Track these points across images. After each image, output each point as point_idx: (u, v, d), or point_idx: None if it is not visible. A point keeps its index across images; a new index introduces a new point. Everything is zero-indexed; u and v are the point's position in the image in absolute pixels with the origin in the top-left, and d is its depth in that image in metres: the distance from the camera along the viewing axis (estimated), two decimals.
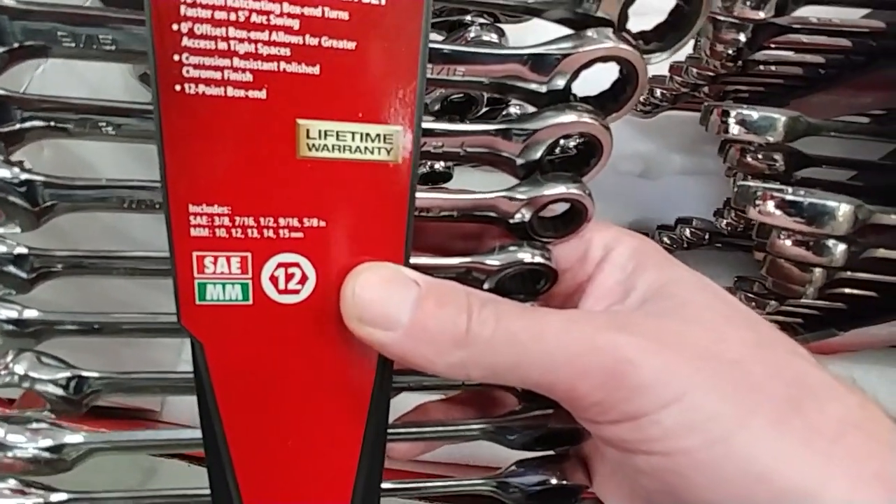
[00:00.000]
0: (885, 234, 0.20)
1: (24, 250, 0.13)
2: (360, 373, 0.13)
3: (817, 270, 0.22)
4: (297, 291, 0.13)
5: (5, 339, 0.14)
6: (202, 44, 0.11)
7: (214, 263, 0.12)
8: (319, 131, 0.12)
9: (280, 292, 0.13)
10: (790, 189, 0.19)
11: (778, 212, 0.19)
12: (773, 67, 0.29)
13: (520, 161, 0.13)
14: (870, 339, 0.29)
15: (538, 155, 0.13)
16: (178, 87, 0.11)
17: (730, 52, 0.26)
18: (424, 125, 0.12)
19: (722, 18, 0.24)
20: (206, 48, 0.11)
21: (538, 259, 0.14)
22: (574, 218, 0.14)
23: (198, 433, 0.14)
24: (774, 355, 0.12)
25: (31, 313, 0.14)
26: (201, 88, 0.11)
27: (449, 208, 0.14)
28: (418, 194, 0.13)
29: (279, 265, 0.13)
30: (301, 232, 0.12)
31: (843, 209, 0.18)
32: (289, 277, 0.13)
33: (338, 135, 0.12)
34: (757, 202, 0.19)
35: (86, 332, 0.14)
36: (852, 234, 0.19)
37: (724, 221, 0.30)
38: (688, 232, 0.33)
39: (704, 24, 0.24)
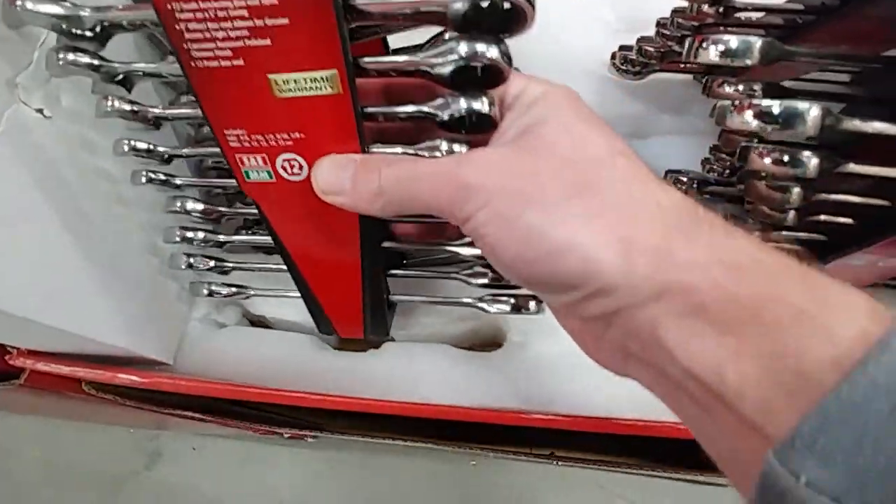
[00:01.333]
0: (854, 148, 0.22)
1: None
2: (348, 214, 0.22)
3: (794, 190, 0.23)
4: (299, 174, 0.21)
5: None
6: (195, 35, 0.17)
7: (249, 160, 0.21)
8: (283, 80, 0.18)
9: (289, 175, 0.21)
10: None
11: (753, 120, 0.20)
12: (752, 17, 0.31)
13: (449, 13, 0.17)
14: (852, 273, 0.31)
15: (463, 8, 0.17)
16: (192, 64, 0.18)
17: None
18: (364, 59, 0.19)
19: None
20: (199, 38, 0.17)
21: (467, 106, 0.19)
22: (494, 76, 0.18)
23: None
24: (580, 167, 0.17)
25: None
26: (204, 63, 0.18)
27: (388, 68, 0.19)
28: (367, 58, 0.19)
29: (285, 160, 0.21)
30: (290, 140, 0.20)
31: (812, 111, 0.20)
32: (292, 167, 0.21)
33: (295, 81, 0.18)
34: (733, 112, 0.21)
35: None
36: (823, 139, 0.20)
37: (707, 168, 0.32)
38: (675, 181, 0.35)
39: None
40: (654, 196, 0.16)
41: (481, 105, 0.18)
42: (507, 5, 0.16)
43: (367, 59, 0.18)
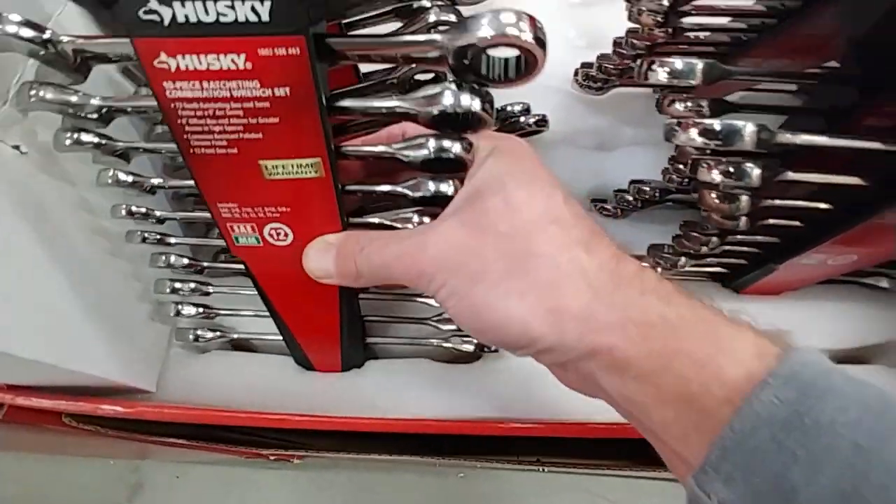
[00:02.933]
0: (801, 157, 0.24)
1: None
2: None
3: (743, 198, 0.25)
4: (285, 240, 0.24)
5: None
6: (195, 128, 0.20)
7: (238, 228, 0.24)
8: (272, 166, 0.21)
9: (276, 241, 0.25)
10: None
11: (698, 137, 0.22)
12: (700, 35, 0.33)
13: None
14: (804, 271, 0.33)
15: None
16: (191, 151, 0.21)
17: (658, 18, 0.30)
18: (345, 146, 0.22)
19: None
20: (198, 130, 0.20)
21: (436, 189, 0.22)
22: (459, 165, 0.22)
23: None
24: (516, 241, 0.20)
25: None
26: (202, 150, 0.21)
27: (367, 155, 0.22)
28: (348, 147, 0.22)
29: (272, 229, 0.24)
30: (278, 213, 0.23)
31: (748, 128, 0.22)
32: (278, 234, 0.24)
33: (283, 167, 0.21)
34: (679, 130, 0.23)
35: None
36: (762, 153, 0.22)
37: (667, 177, 0.34)
38: (639, 191, 0.37)
39: None
40: (578, 263, 0.20)
41: (447, 188, 0.22)
42: (469, 112, 0.20)
43: (348, 148, 0.22)
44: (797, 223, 0.31)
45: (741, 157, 0.26)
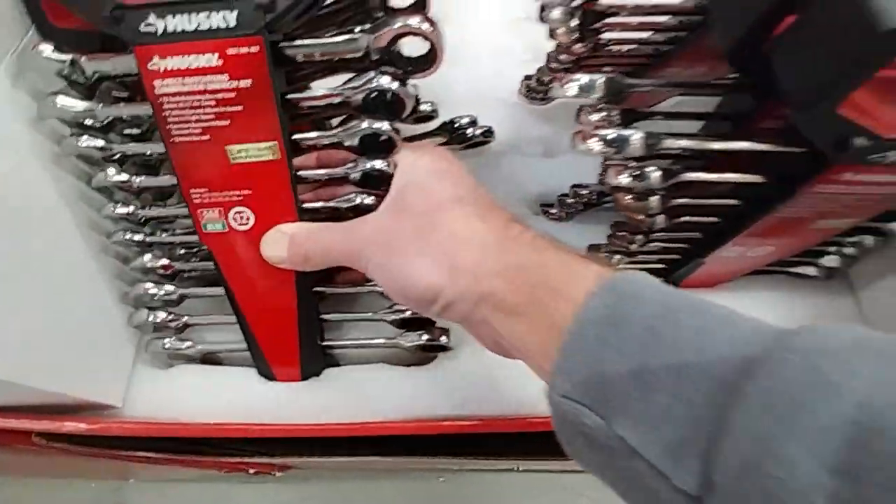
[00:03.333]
0: (686, 161, 0.26)
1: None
2: None
3: (652, 198, 0.28)
4: (246, 225, 0.29)
5: None
6: (175, 119, 0.25)
7: (208, 212, 0.28)
8: (237, 150, 0.26)
9: (239, 225, 0.29)
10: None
11: (594, 145, 0.25)
12: (622, 48, 0.36)
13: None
14: (729, 263, 0.35)
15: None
16: (171, 140, 0.26)
17: (574, 36, 0.33)
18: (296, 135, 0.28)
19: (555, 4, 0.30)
20: (177, 120, 0.26)
21: (371, 165, 0.27)
22: (389, 144, 0.27)
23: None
24: (427, 219, 0.24)
25: None
26: (180, 139, 0.26)
27: (314, 142, 0.27)
28: (298, 135, 0.27)
29: (236, 213, 0.28)
30: (241, 196, 0.28)
31: (636, 135, 0.24)
32: (241, 218, 0.28)
33: (246, 150, 0.26)
34: (577, 140, 0.25)
35: None
36: (658, 159, 0.25)
37: (601, 181, 0.37)
38: (577, 195, 0.39)
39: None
40: (473, 229, 0.24)
41: (383, 165, 0.27)
42: (393, 95, 0.25)
43: (298, 136, 0.27)
44: (713, 219, 0.34)
45: (648, 161, 0.29)
